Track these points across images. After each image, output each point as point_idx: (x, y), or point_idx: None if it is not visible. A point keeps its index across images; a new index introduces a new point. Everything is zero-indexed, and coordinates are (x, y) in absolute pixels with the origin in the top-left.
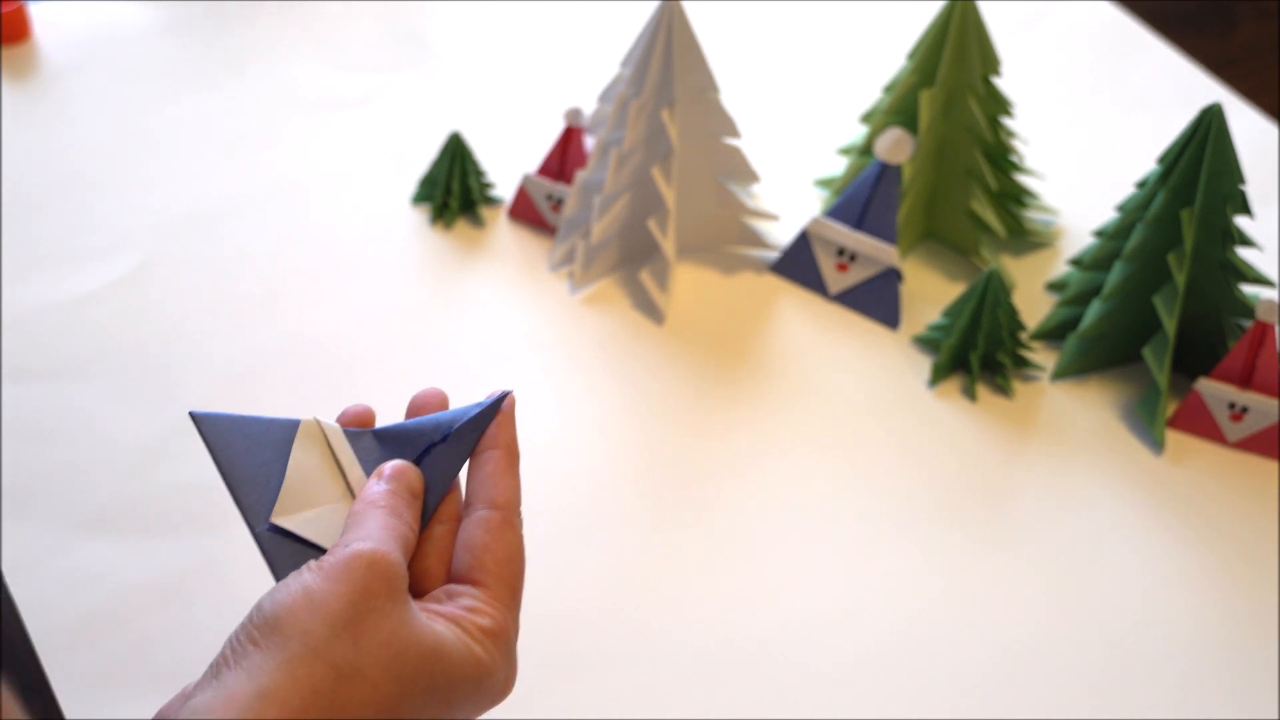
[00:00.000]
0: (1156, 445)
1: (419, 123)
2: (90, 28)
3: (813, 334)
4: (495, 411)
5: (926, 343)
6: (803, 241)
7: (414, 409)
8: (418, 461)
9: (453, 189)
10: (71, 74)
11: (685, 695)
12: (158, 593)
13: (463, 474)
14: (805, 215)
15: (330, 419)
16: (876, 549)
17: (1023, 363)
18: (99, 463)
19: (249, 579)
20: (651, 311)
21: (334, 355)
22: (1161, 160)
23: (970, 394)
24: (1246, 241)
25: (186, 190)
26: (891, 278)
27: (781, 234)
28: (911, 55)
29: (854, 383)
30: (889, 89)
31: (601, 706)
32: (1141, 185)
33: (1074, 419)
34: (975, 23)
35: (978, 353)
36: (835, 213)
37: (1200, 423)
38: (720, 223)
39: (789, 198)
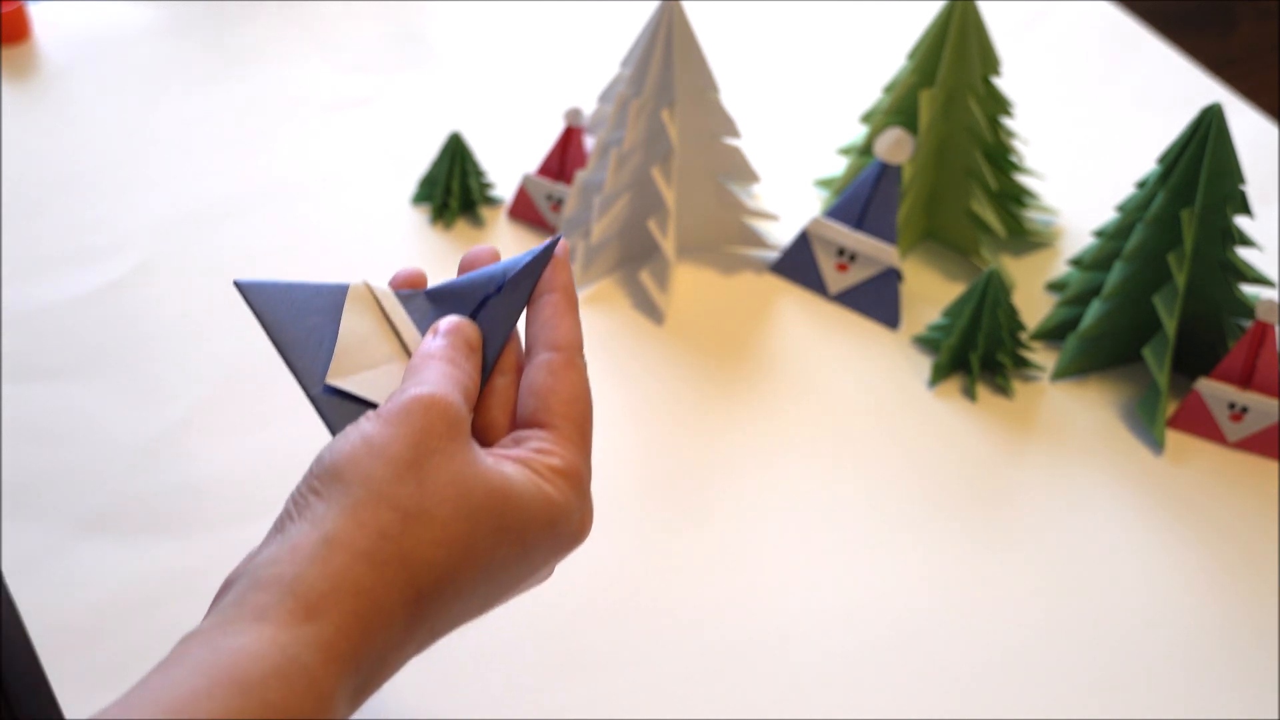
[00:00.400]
0: (1156, 445)
1: (419, 123)
2: (90, 28)
3: (813, 334)
4: (549, 258)
5: (926, 343)
6: (803, 241)
7: (465, 266)
8: (473, 316)
9: (453, 189)
10: (71, 74)
11: (685, 695)
12: (158, 593)
13: (521, 325)
14: (805, 215)
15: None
16: (876, 548)
17: (1023, 363)
18: (99, 463)
19: None
20: (651, 311)
21: None
22: (1161, 160)
23: (970, 394)
24: (1246, 241)
25: (186, 190)
26: (891, 278)
27: (781, 234)
28: (911, 55)
29: (854, 383)
30: (889, 89)
31: (601, 706)
32: (1141, 185)
33: (1074, 419)
34: (975, 23)
35: (978, 353)
36: (835, 213)
37: (1200, 423)
38: (720, 223)
39: (789, 198)
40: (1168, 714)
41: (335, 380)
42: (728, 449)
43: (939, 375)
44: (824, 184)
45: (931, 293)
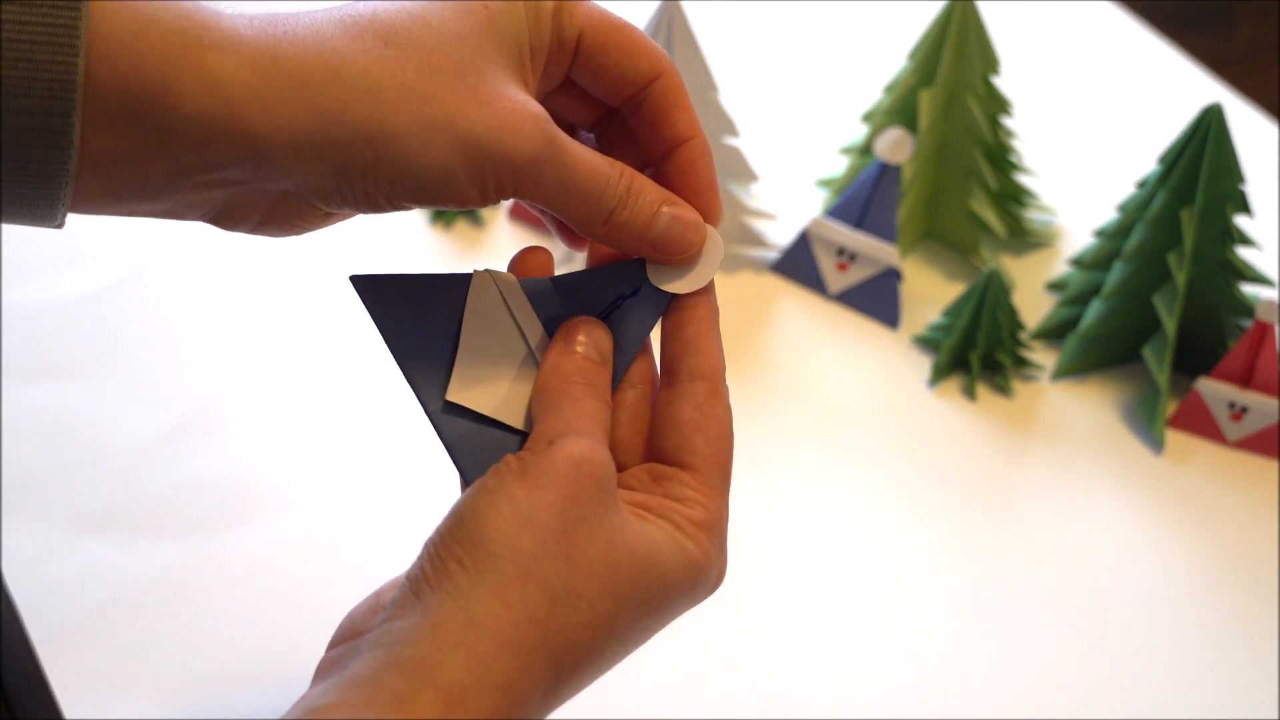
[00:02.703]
0: (1156, 445)
1: None
2: None
3: (813, 334)
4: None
5: (926, 342)
6: (803, 241)
7: (596, 254)
8: (605, 316)
9: None
10: None
11: (684, 694)
12: (158, 593)
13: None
14: (805, 215)
15: (499, 271)
16: (875, 548)
17: (1023, 362)
18: (99, 463)
19: (250, 579)
20: None
21: (335, 355)
22: (1161, 160)
23: (970, 394)
24: (1246, 241)
25: None
26: (891, 277)
27: (781, 234)
28: (912, 55)
29: (854, 382)
30: (889, 89)
31: (600, 706)
32: (1141, 185)
33: (1074, 419)
34: (975, 23)
35: (978, 352)
36: (835, 213)
37: (1200, 422)
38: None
39: (789, 198)
40: (1168, 713)
41: (456, 396)
42: None
43: (939, 375)
44: (824, 184)
45: (931, 292)
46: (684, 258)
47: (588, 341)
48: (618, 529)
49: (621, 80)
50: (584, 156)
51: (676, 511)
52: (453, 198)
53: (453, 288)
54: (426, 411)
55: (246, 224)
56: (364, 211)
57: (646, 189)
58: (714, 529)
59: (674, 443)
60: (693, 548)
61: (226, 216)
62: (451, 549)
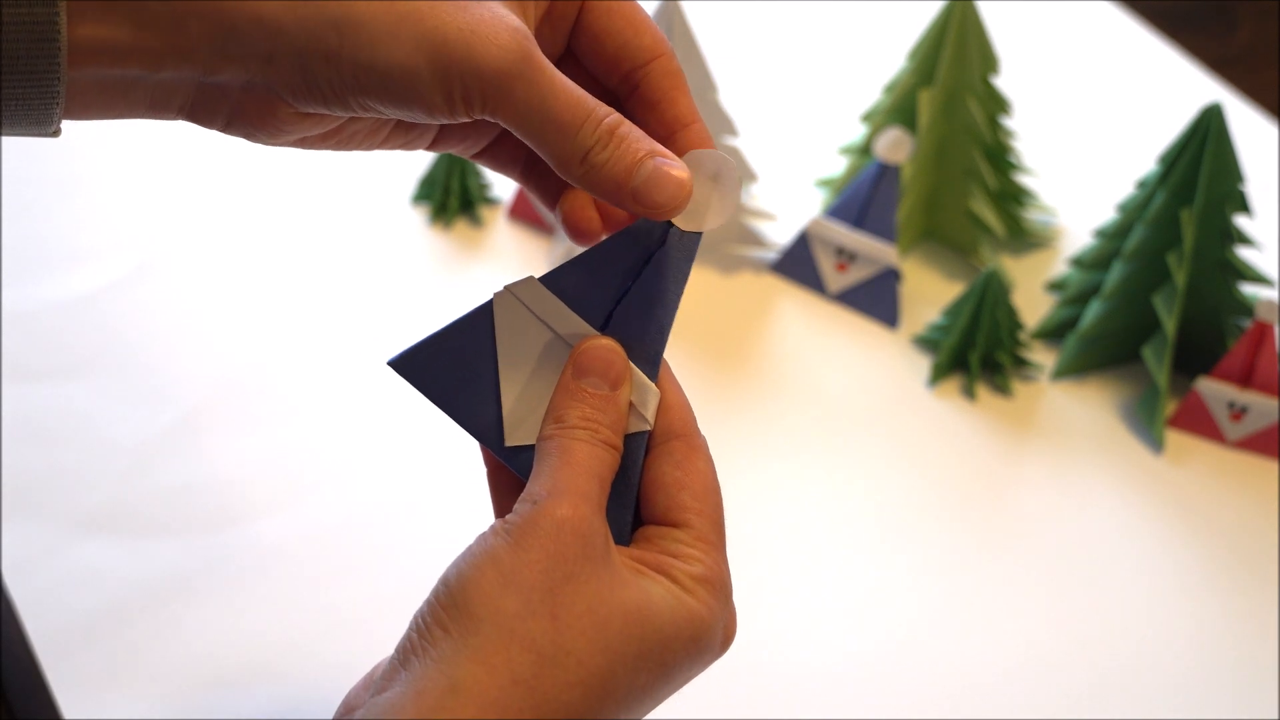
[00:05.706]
0: (1156, 445)
1: None
2: None
3: (812, 334)
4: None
5: (926, 342)
6: (802, 241)
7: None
8: (638, 275)
9: (451, 189)
10: None
11: (683, 695)
12: (158, 593)
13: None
14: (805, 215)
15: (526, 276)
16: (875, 548)
17: (1022, 362)
18: (99, 463)
19: (249, 579)
20: None
21: (334, 354)
22: (1161, 160)
23: (970, 394)
24: (1246, 241)
25: (186, 189)
26: (891, 277)
27: (781, 234)
28: (911, 55)
29: (853, 382)
30: (889, 89)
31: None
32: (1141, 185)
33: (1074, 419)
34: (975, 23)
35: (977, 352)
36: (835, 212)
37: (1200, 422)
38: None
39: (789, 198)
40: (1167, 713)
41: (513, 439)
42: (726, 449)
43: (938, 375)
44: (824, 184)
45: (931, 292)
46: (665, 213)
47: (588, 370)
48: (607, 583)
49: (623, 52)
50: (564, 84)
51: (674, 566)
52: (419, 102)
53: (480, 323)
54: (498, 457)
55: (218, 120)
56: (332, 110)
57: (634, 135)
58: (715, 584)
59: (661, 505)
60: (693, 602)
61: (200, 109)
62: (437, 615)
